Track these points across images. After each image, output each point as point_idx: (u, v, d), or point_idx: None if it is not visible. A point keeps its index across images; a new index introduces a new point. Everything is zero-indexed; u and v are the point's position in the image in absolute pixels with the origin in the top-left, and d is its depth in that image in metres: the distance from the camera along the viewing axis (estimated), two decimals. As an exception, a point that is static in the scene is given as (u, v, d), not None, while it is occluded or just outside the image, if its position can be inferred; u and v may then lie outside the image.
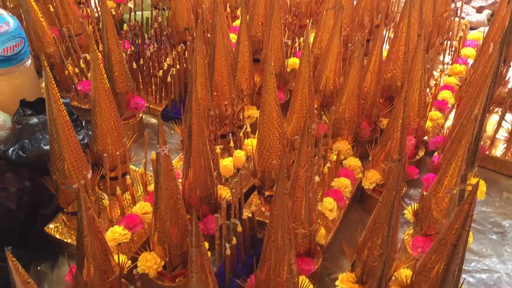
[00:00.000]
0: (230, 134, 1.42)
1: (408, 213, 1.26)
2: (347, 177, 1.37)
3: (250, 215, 1.23)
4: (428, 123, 1.55)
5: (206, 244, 1.16)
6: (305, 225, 1.14)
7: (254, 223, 1.26)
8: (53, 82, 1.09)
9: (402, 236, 1.34)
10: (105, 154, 1.27)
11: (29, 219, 1.26)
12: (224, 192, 1.31)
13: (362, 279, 1.11)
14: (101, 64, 1.22)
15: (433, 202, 1.17)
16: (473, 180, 1.35)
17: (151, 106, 1.78)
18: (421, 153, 1.55)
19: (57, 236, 1.27)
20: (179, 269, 1.16)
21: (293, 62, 1.77)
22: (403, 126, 1.29)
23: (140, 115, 1.68)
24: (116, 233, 1.17)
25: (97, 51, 1.21)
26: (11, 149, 1.26)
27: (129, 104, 1.60)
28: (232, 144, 1.39)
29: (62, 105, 1.12)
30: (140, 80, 1.77)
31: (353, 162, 1.42)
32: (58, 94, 1.11)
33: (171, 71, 1.68)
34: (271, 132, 1.23)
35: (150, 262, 1.12)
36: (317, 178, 1.29)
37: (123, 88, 1.56)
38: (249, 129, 1.47)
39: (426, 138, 1.58)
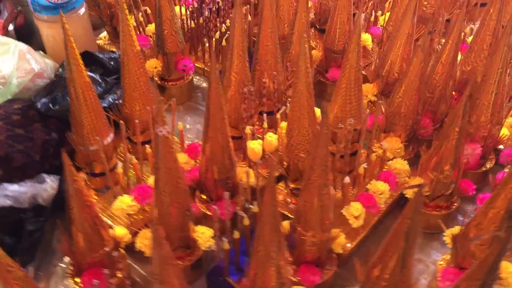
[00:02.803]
0: (265, 114, 1.30)
1: (447, 237, 1.08)
2: (387, 181, 1.20)
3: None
4: (505, 131, 1.30)
5: (211, 231, 1.10)
6: (315, 233, 1.01)
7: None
8: (71, 38, 1.04)
9: (438, 258, 1.17)
10: (136, 120, 1.22)
11: (56, 171, 1.26)
12: (246, 177, 1.21)
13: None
14: (131, 27, 1.15)
15: (472, 233, 0.98)
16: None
17: (206, 68, 1.70)
18: (489, 164, 1.32)
19: (76, 194, 1.26)
20: (180, 252, 1.11)
21: (363, 38, 1.57)
22: (460, 134, 1.08)
23: (190, 77, 1.61)
24: (123, 203, 1.14)
25: (126, 10, 1.14)
26: (42, 101, 1.26)
27: (177, 65, 1.53)
28: (265, 125, 1.28)
29: (81, 64, 1.08)
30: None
31: (399, 165, 1.24)
32: (77, 52, 1.06)
33: (226, 35, 1.57)
34: (301, 123, 1.09)
35: (146, 241, 1.08)
36: (347, 179, 1.15)
37: (172, 48, 1.49)
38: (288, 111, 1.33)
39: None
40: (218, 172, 1.15)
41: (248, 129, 1.24)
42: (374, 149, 1.25)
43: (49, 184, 1.24)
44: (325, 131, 0.87)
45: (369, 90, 1.45)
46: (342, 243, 1.10)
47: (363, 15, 1.08)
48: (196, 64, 1.69)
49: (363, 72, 1.49)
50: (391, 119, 1.29)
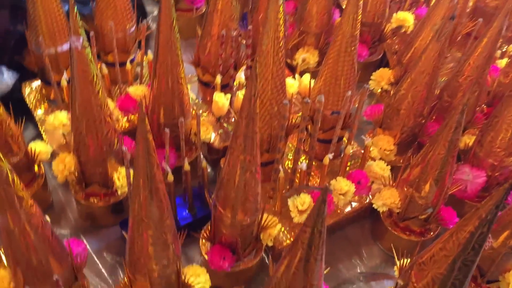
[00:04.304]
0: (244, 68, 1.12)
1: (396, 268, 0.88)
2: (356, 182, 1.01)
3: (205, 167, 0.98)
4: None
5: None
6: (233, 212, 0.85)
7: (205, 178, 1.00)
8: None
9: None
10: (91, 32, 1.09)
11: (15, 67, 1.17)
12: (203, 130, 1.05)
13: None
14: None
15: (414, 272, 0.78)
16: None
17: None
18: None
19: (26, 100, 1.16)
20: (96, 188, 0.99)
21: (402, 17, 1.33)
22: (449, 150, 0.86)
23: (202, 11, 1.45)
24: (57, 120, 1.02)
25: None
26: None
27: (186, -6, 1.38)
28: (241, 80, 1.11)
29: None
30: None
31: (379, 168, 1.03)
32: None
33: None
34: (264, 88, 0.91)
35: (61, 166, 0.96)
36: (302, 166, 0.97)
37: (183, -28, 1.34)
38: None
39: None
40: (164, 116, 1.00)
41: (218, 78, 1.07)
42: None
43: (5, 80, 1.15)
44: (251, 96, 0.69)
45: (385, 76, 1.22)
46: (272, 234, 0.93)
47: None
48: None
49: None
50: (389, 114, 1.07)
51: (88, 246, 1.01)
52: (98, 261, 1.00)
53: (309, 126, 1.05)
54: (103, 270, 0.99)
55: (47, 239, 0.73)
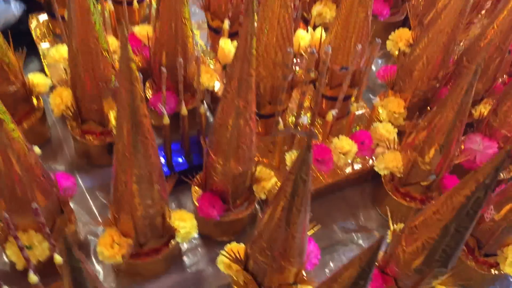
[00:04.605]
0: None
1: (390, 232, 0.85)
2: (359, 143, 0.97)
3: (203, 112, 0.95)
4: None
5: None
6: (225, 160, 0.82)
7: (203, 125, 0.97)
8: None
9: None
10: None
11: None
12: (206, 77, 1.02)
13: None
14: None
15: (404, 236, 0.74)
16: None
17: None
18: (505, 174, 1.03)
19: (32, 33, 1.14)
20: (92, 126, 0.97)
21: (430, -24, 1.25)
22: (458, 115, 0.81)
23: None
24: (58, 53, 0.99)
25: None
26: None
27: None
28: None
29: None
30: None
31: (385, 131, 0.98)
32: None
33: None
34: (270, 34, 0.87)
35: (58, 100, 0.94)
36: (303, 119, 0.93)
37: None
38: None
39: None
40: (166, 58, 0.97)
41: (225, 24, 1.03)
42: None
43: (13, 10, 1.13)
44: (247, 34, 0.65)
45: (404, 36, 1.16)
46: (266, 187, 0.90)
47: None
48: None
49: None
50: (402, 75, 1.02)
51: (81, 184, 1.00)
52: (90, 199, 0.99)
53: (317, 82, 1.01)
54: (94, 209, 0.98)
55: (30, 167, 0.72)
